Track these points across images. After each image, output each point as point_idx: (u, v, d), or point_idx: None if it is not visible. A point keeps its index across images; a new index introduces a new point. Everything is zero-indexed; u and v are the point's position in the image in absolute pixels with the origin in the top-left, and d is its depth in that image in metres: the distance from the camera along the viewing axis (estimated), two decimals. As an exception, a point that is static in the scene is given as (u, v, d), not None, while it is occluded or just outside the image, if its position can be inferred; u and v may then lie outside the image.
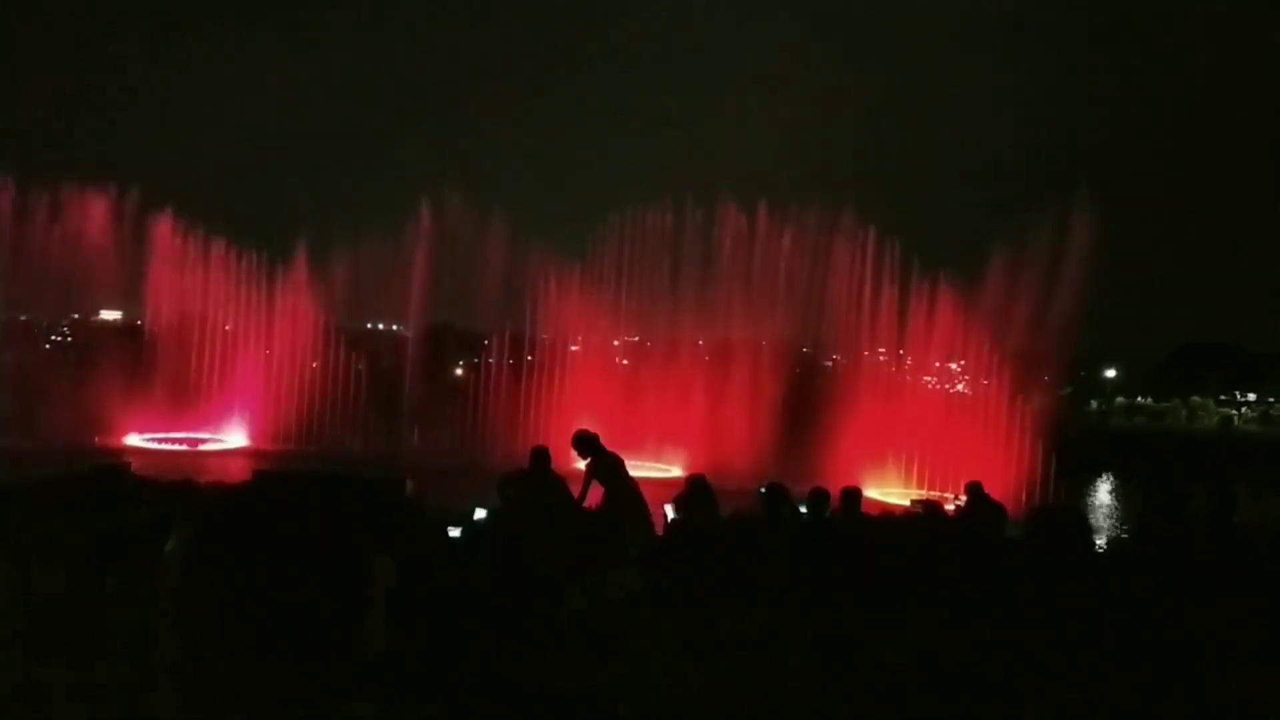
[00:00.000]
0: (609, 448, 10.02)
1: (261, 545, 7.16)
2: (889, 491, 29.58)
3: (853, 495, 10.24)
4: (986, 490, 11.68)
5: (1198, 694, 6.25)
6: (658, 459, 32.32)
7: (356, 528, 8.40)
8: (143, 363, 33.79)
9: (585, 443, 10.01)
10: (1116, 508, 30.09)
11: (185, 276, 34.85)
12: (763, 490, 9.83)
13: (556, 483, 9.45)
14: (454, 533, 9.39)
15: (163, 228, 34.86)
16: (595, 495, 10.10)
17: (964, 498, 11.78)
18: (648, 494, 10.14)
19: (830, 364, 35.86)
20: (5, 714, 5.29)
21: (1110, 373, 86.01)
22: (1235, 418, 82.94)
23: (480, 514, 9.20)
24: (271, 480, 11.98)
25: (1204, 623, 7.02)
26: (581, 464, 10.07)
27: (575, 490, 9.82)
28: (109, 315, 36.15)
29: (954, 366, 33.18)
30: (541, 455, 9.57)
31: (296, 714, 5.57)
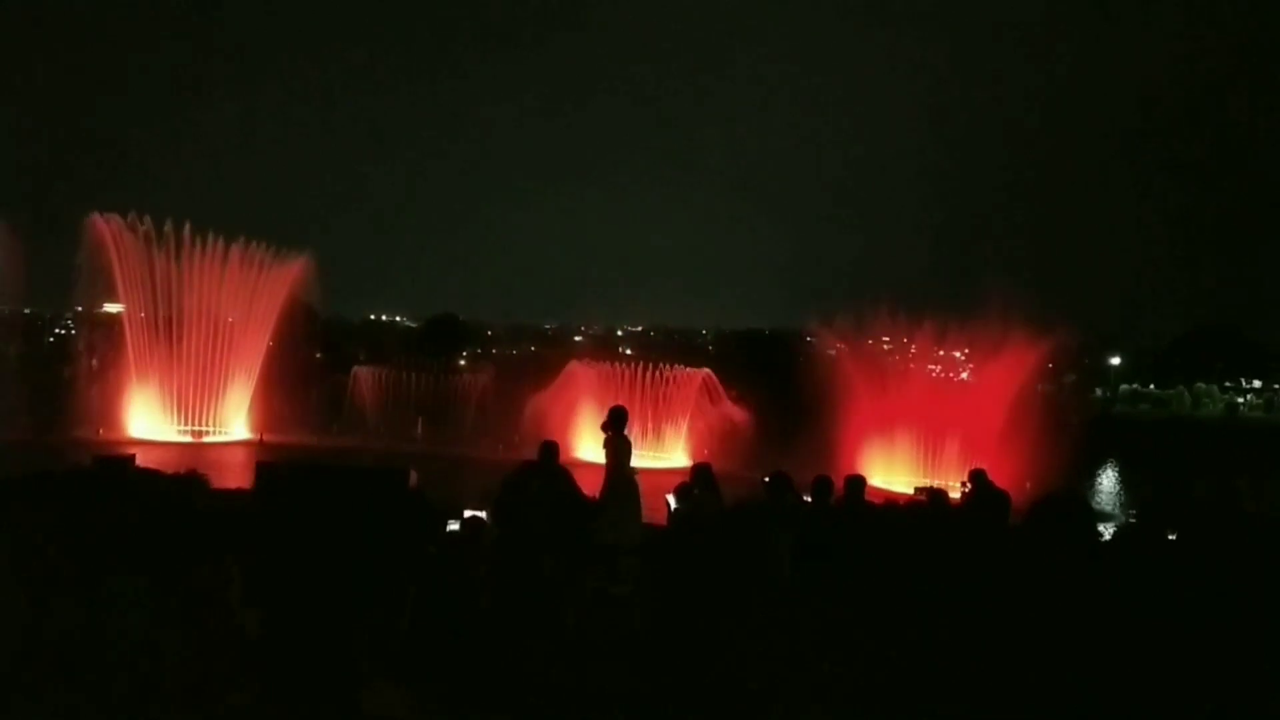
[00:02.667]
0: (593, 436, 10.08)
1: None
2: (893, 479, 29.57)
3: (856, 483, 10.20)
4: (990, 478, 11.64)
5: (1200, 683, 6.23)
6: (658, 448, 32.35)
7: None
8: (145, 356, 33.69)
9: (617, 418, 10.10)
10: (1121, 494, 30.04)
11: (191, 273, 34.47)
12: (767, 479, 9.81)
13: (563, 475, 9.48)
14: (452, 526, 9.39)
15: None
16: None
17: (968, 485, 11.75)
18: (649, 483, 10.16)
19: (834, 352, 35.74)
20: (8, 711, 5.28)
21: (1115, 360, 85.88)
22: (1240, 404, 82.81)
23: (469, 514, 9.18)
24: (278, 474, 11.97)
25: (1207, 612, 6.99)
26: (583, 453, 10.12)
27: (584, 479, 9.89)
28: (112, 308, 36.03)
29: (958, 355, 33.11)
30: (550, 449, 9.61)
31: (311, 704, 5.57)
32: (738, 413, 32.81)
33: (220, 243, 34.18)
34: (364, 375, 36.56)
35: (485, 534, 8.80)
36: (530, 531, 8.63)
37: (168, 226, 33.41)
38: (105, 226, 32.95)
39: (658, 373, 34.55)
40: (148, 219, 33.46)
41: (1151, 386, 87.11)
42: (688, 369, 35.29)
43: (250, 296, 34.60)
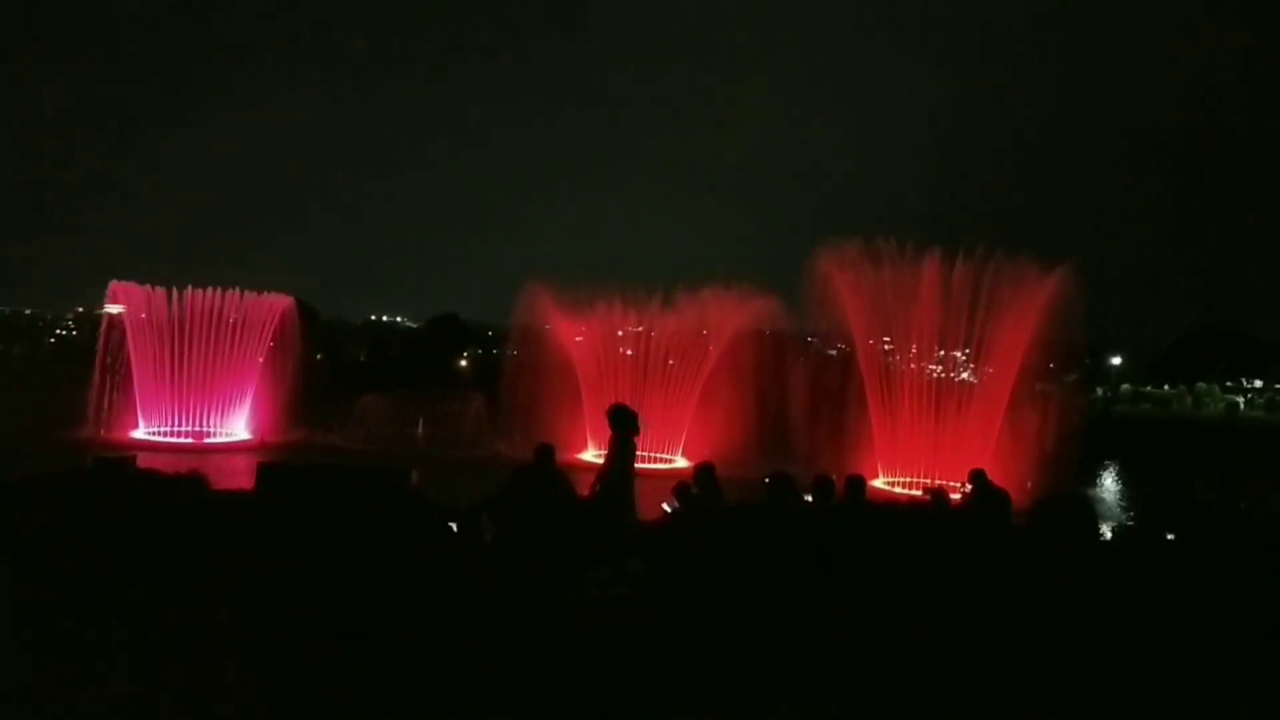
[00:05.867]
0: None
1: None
2: (894, 480, 29.56)
3: (857, 484, 10.22)
4: (990, 478, 11.67)
5: (1200, 685, 6.23)
6: (660, 450, 32.31)
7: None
8: (146, 358, 33.64)
9: (621, 418, 10.13)
10: (1123, 495, 30.02)
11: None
12: (767, 479, 9.83)
13: (559, 478, 9.49)
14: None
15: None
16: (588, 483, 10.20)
17: (968, 486, 11.78)
18: (654, 486, 10.19)
19: (834, 353, 35.74)
20: (9, 712, 5.29)
21: (1116, 360, 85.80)
22: (1241, 404, 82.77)
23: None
24: (279, 474, 11.99)
25: (1207, 613, 6.99)
26: (588, 454, 10.17)
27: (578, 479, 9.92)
28: (113, 309, 35.99)
29: (959, 355, 33.09)
30: (544, 452, 9.62)
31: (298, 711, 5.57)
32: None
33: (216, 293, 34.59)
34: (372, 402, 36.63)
35: (484, 533, 8.81)
36: (526, 534, 8.63)
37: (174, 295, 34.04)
38: (124, 294, 33.94)
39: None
40: (159, 289, 34.26)
41: (1166, 388, 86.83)
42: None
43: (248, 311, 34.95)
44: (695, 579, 7.87)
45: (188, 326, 34.02)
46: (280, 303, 36.31)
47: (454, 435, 33.57)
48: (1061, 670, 6.34)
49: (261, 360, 35.05)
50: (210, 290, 34.80)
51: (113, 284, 34.43)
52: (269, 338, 35.46)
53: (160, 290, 34.51)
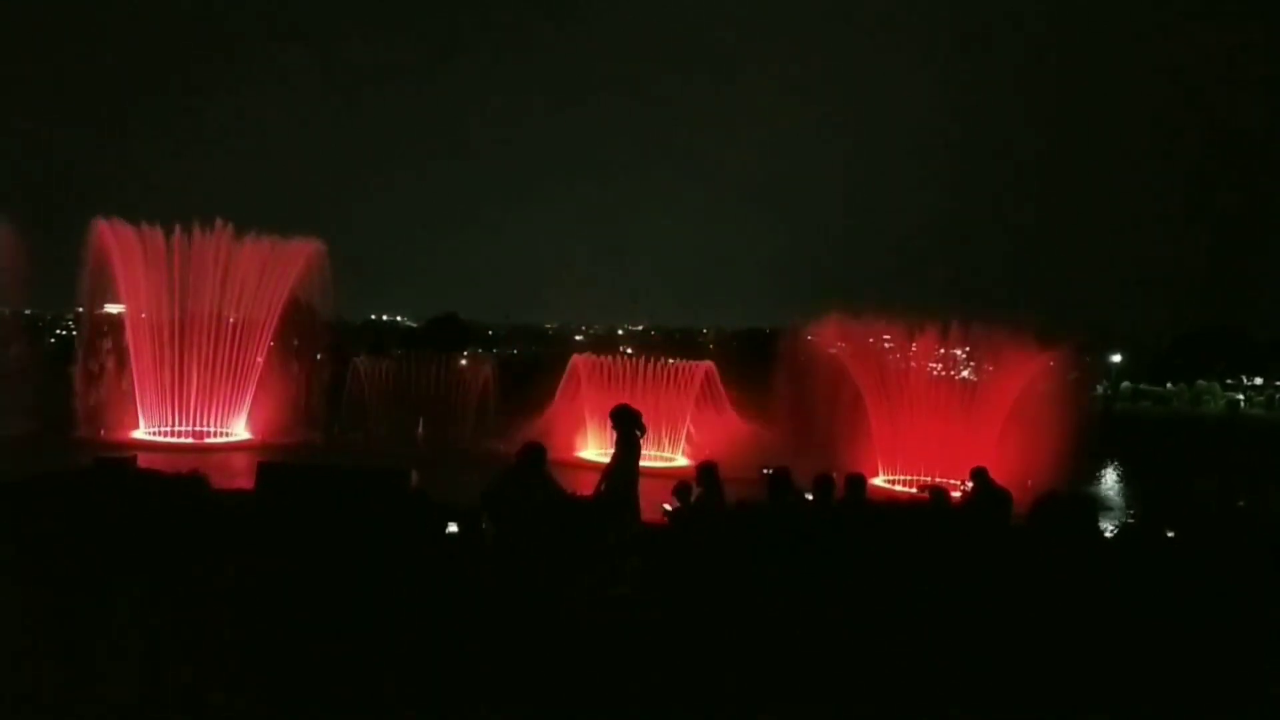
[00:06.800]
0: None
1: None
2: (894, 478, 29.56)
3: (858, 482, 10.23)
4: (991, 476, 11.67)
5: (1200, 683, 6.23)
6: (660, 448, 32.31)
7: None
8: (146, 357, 33.56)
9: (622, 418, 10.21)
10: (1123, 494, 30.01)
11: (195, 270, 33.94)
12: (767, 470, 9.84)
13: (548, 480, 9.41)
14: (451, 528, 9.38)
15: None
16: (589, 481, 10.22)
17: (969, 484, 11.78)
18: (656, 486, 10.21)
19: (835, 350, 35.73)
20: (9, 712, 5.29)
21: (1116, 357, 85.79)
22: (1241, 402, 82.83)
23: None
24: (279, 474, 11.99)
25: (1207, 612, 6.99)
26: (585, 452, 10.18)
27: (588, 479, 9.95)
28: (113, 309, 35.82)
29: (959, 353, 33.11)
30: (528, 452, 9.47)
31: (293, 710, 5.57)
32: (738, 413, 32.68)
33: (228, 230, 33.13)
34: (363, 368, 36.43)
35: (485, 533, 8.82)
36: (526, 534, 8.63)
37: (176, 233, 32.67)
38: (110, 233, 32.44)
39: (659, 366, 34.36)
40: (156, 228, 31.90)
41: (1167, 385, 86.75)
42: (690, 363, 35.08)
43: (254, 293, 34.22)
44: (695, 578, 7.88)
45: (191, 276, 32.37)
46: (305, 248, 33.22)
47: (456, 435, 33.60)
48: (1062, 670, 6.34)
49: (261, 360, 34.94)
50: (217, 228, 31.96)
51: (98, 222, 31.67)
52: (290, 287, 33.80)
53: (157, 229, 31.94)
